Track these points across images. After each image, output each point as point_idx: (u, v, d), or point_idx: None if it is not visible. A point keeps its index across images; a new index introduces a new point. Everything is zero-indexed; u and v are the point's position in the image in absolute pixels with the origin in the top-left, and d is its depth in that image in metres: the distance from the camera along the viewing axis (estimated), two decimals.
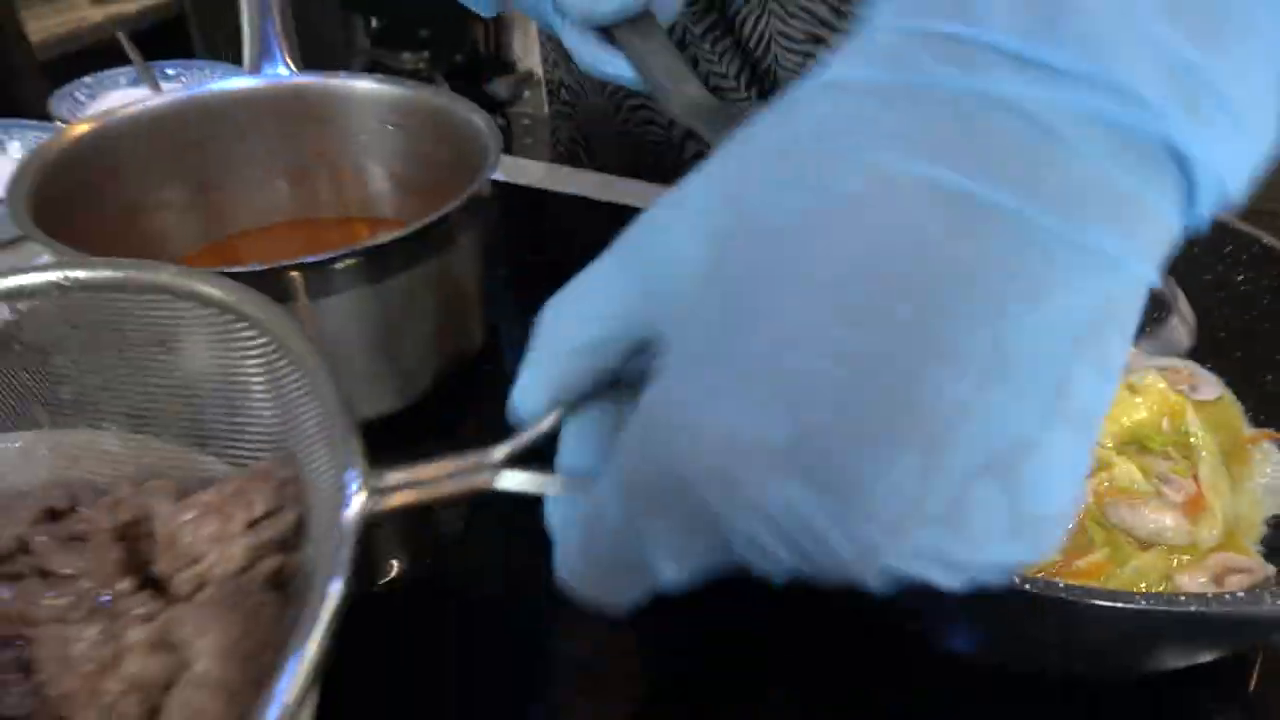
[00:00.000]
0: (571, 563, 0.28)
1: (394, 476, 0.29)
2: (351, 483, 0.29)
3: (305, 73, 0.74)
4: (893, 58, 0.23)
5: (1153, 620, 0.39)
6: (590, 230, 0.88)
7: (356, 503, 0.28)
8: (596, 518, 0.26)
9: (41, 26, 2.25)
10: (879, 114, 0.23)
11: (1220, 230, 0.68)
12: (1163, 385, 0.66)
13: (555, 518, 0.31)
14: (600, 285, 0.28)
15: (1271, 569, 0.55)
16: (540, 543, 0.30)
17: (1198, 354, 0.70)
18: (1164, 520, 0.56)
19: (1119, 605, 0.39)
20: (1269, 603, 0.40)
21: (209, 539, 0.32)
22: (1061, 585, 0.39)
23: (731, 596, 0.36)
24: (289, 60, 0.73)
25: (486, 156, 0.61)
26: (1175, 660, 0.47)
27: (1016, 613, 0.42)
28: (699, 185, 0.26)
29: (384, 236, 0.53)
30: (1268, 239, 0.66)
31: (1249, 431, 0.65)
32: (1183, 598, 0.39)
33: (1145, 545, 0.55)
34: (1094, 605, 0.39)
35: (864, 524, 0.22)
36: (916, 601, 0.48)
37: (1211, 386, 0.68)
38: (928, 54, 0.23)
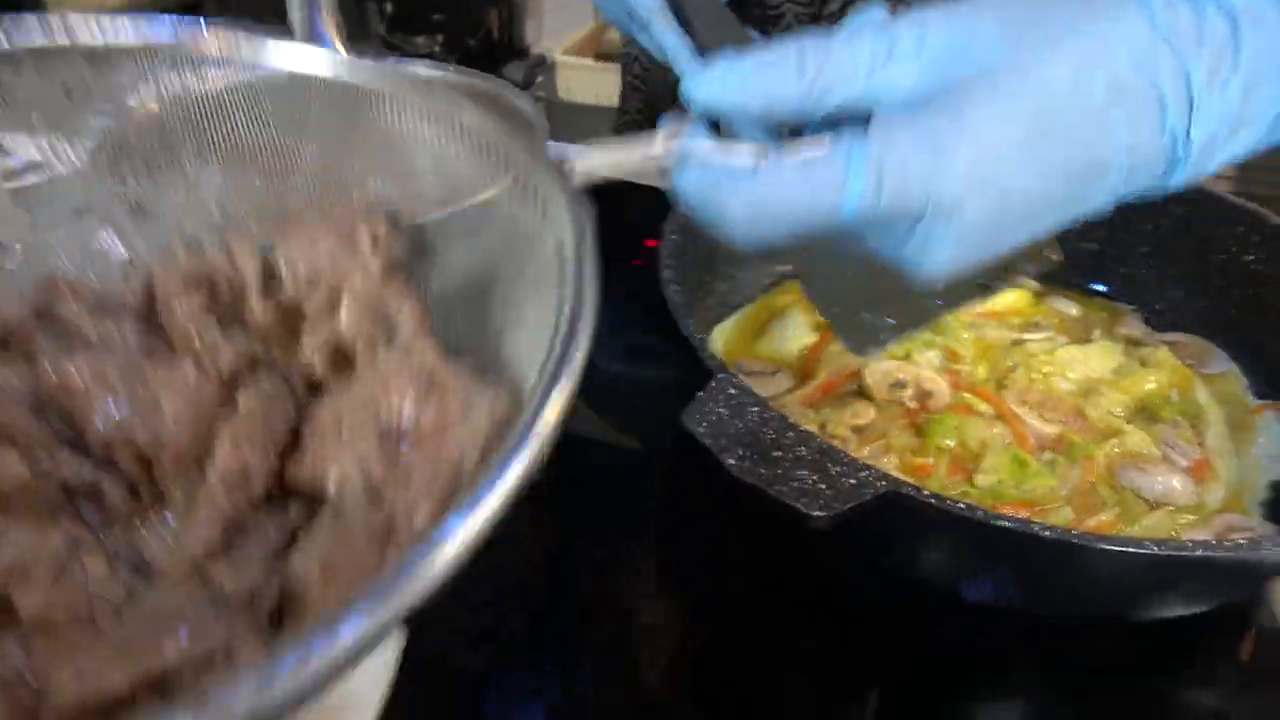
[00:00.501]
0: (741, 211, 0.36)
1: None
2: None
3: (355, 58, 0.77)
4: None
5: (1161, 564, 0.43)
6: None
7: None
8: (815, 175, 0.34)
9: (61, 6, 2.29)
10: None
11: (1234, 211, 0.72)
12: (1173, 360, 0.70)
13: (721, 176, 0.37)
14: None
15: (1271, 528, 0.58)
16: None
17: (1207, 329, 0.74)
18: (1172, 482, 0.59)
19: (1129, 550, 0.43)
20: (1268, 549, 0.44)
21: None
22: (1075, 533, 0.43)
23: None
24: (339, 46, 0.77)
25: (534, 139, 0.65)
26: (1180, 605, 0.51)
27: (1034, 557, 0.46)
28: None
29: None
30: (1276, 219, 0.69)
31: (1253, 403, 0.68)
32: (1190, 543, 0.43)
33: (1154, 506, 0.59)
34: (1105, 550, 0.43)
35: None
36: (946, 555, 0.52)
37: (1219, 361, 0.72)
38: None
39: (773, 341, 0.72)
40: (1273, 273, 0.70)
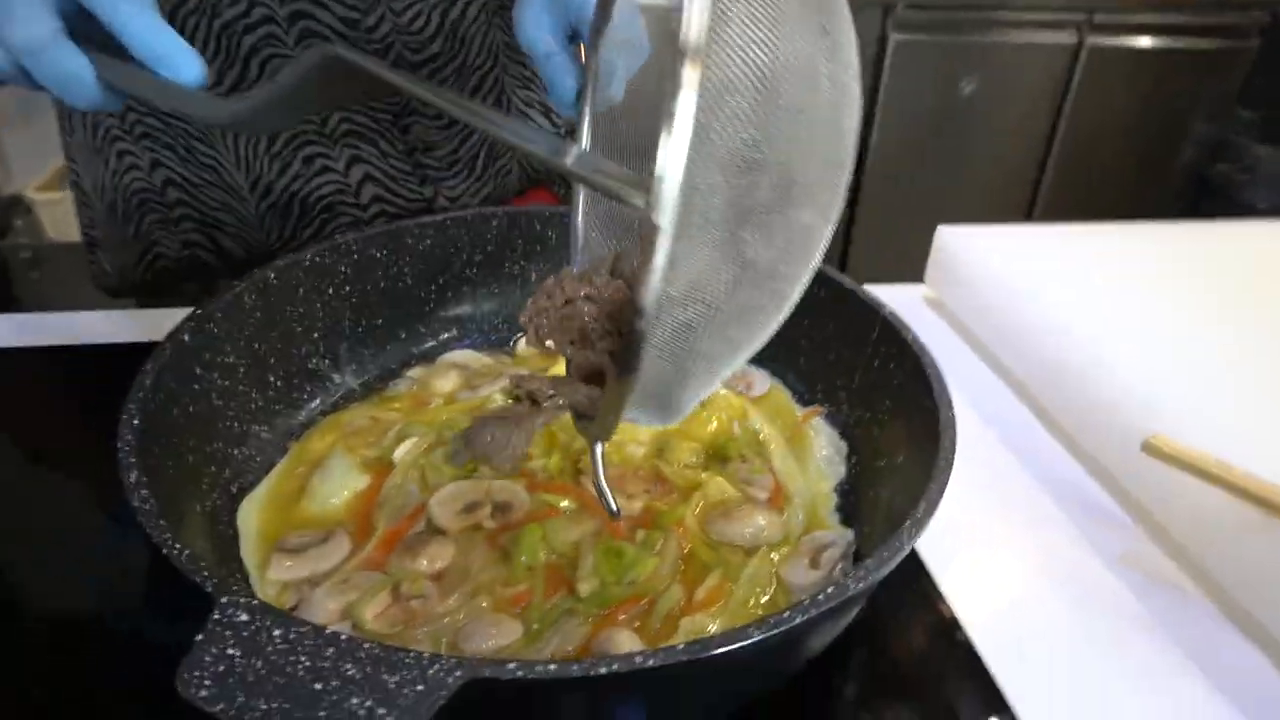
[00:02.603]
0: None
1: None
2: None
3: None
4: None
5: (771, 641, 0.39)
6: None
7: None
8: None
9: None
10: None
11: None
12: (724, 391, 0.71)
13: None
14: None
15: (850, 533, 0.60)
16: None
17: None
18: (758, 521, 0.58)
19: (741, 644, 0.39)
20: (853, 586, 0.42)
21: None
22: (683, 648, 0.38)
23: None
24: None
25: None
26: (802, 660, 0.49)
27: (660, 684, 0.40)
28: None
29: None
30: None
31: (800, 411, 0.71)
32: (786, 614, 0.40)
33: (750, 551, 0.57)
34: (720, 653, 0.38)
35: None
36: None
37: (761, 380, 0.74)
38: None
39: (317, 499, 0.60)
40: None
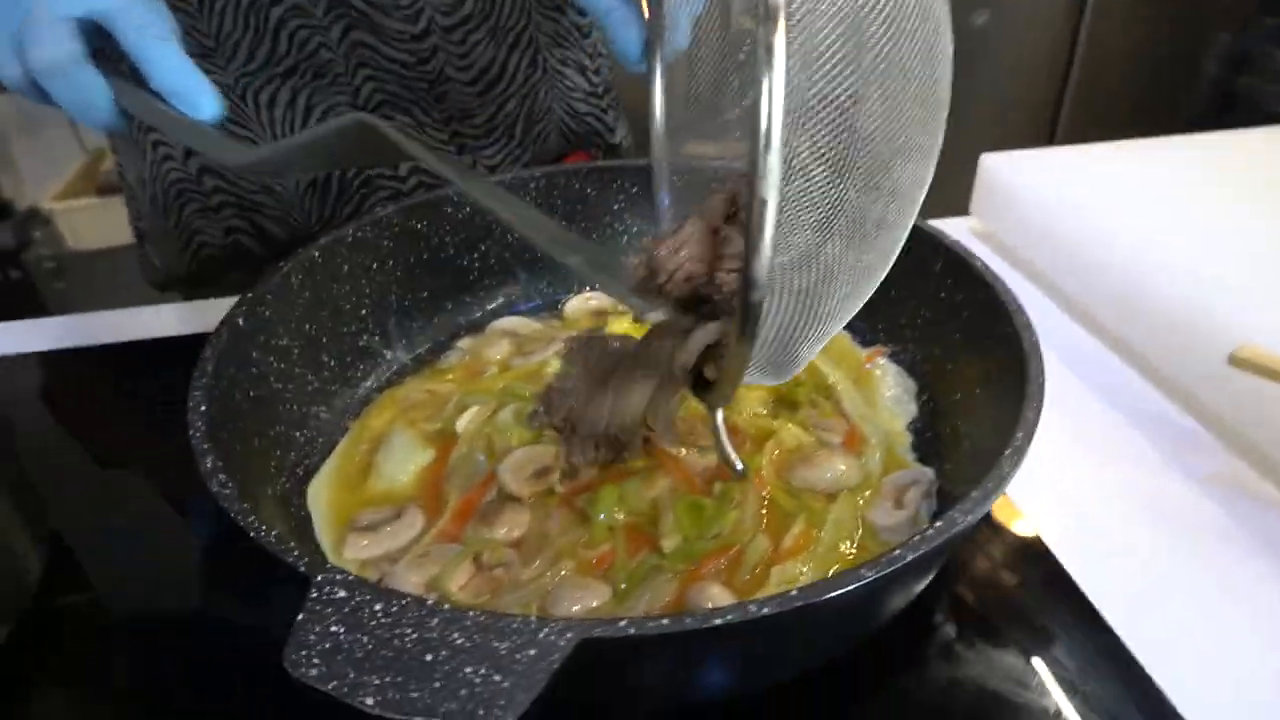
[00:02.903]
0: None
1: None
2: None
3: None
4: None
5: (875, 586, 0.38)
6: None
7: None
8: None
9: None
10: None
11: None
12: None
13: None
14: None
15: (929, 471, 0.58)
16: None
17: None
18: (836, 465, 0.57)
19: (852, 587, 0.37)
20: (956, 524, 0.40)
21: None
22: (796, 594, 0.37)
23: None
24: None
25: None
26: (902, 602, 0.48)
27: (769, 634, 0.39)
28: None
29: None
30: None
31: (862, 353, 0.69)
32: (898, 552, 0.38)
33: (831, 496, 0.55)
34: (839, 594, 0.37)
35: None
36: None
37: None
38: None
39: (384, 475, 0.59)
40: None
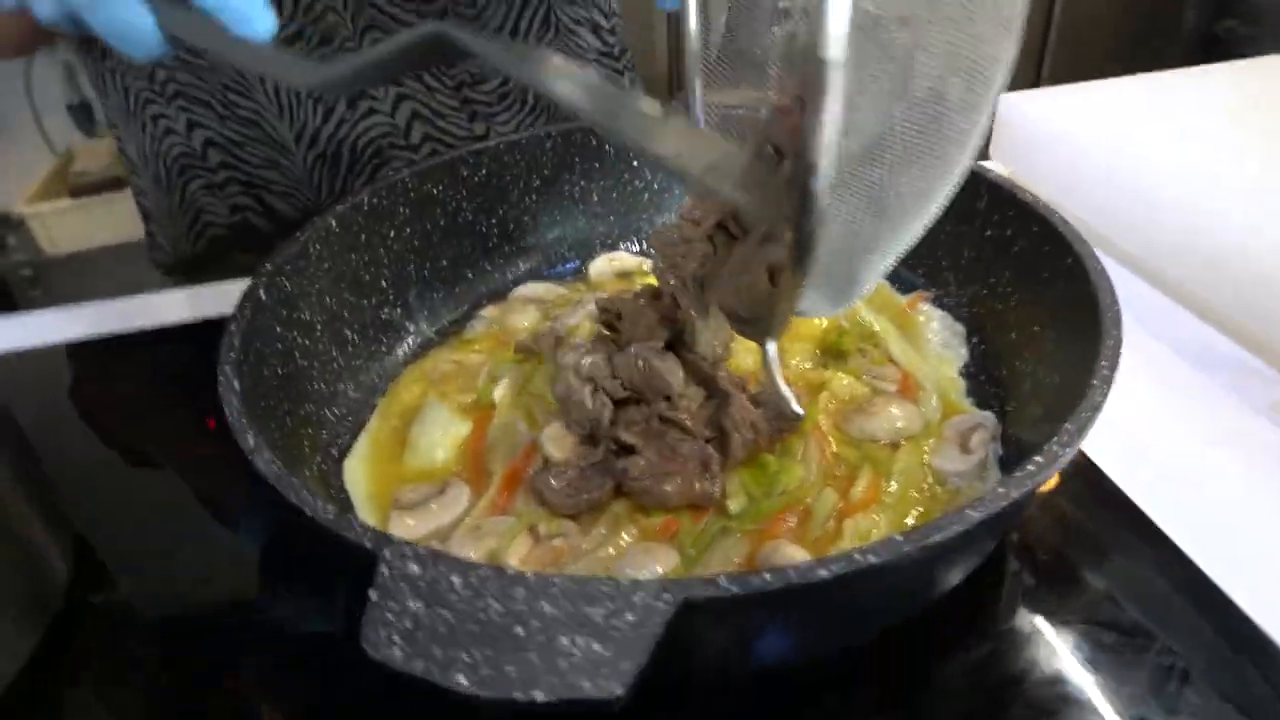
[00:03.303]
0: None
1: None
2: None
3: None
4: None
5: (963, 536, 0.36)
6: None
7: None
8: None
9: None
10: None
11: None
12: None
13: None
14: None
15: (990, 415, 0.56)
16: None
17: None
18: (894, 413, 0.55)
19: (955, 527, 0.35)
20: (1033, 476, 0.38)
21: None
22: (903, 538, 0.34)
23: None
24: None
25: None
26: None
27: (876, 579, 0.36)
28: None
29: None
30: None
31: (903, 299, 0.67)
32: (1001, 491, 0.36)
33: (894, 445, 0.53)
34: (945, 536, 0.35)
35: None
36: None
37: None
38: None
39: (420, 451, 0.56)
40: None
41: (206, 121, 0.76)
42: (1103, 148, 0.81)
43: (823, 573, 0.33)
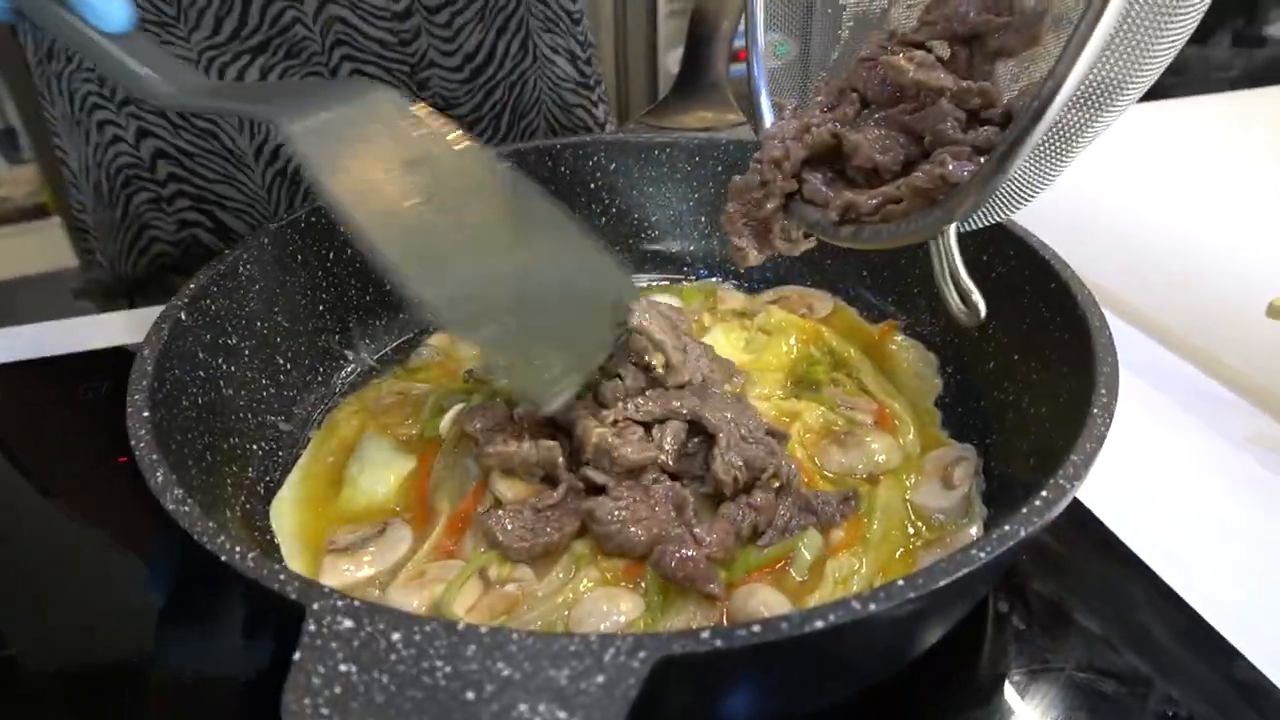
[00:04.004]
0: None
1: None
2: None
3: None
4: None
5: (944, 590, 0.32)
6: None
7: None
8: None
9: None
10: None
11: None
12: (788, 316, 0.63)
13: None
14: None
15: (970, 447, 0.53)
16: None
17: (797, 275, 0.69)
18: (872, 445, 0.51)
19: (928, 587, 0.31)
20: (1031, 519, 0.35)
21: None
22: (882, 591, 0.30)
23: None
24: None
25: None
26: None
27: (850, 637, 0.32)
28: None
29: None
30: None
31: (874, 328, 0.64)
32: (979, 554, 0.32)
33: (874, 480, 0.50)
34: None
35: None
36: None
37: (823, 300, 0.67)
38: None
39: (360, 489, 0.51)
40: None
41: (158, 130, 0.71)
42: (1069, 176, 0.80)
43: (819, 623, 0.29)
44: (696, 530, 0.42)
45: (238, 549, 0.33)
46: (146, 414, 0.40)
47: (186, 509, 0.35)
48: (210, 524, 0.34)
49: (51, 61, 0.72)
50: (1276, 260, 0.65)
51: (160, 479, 0.36)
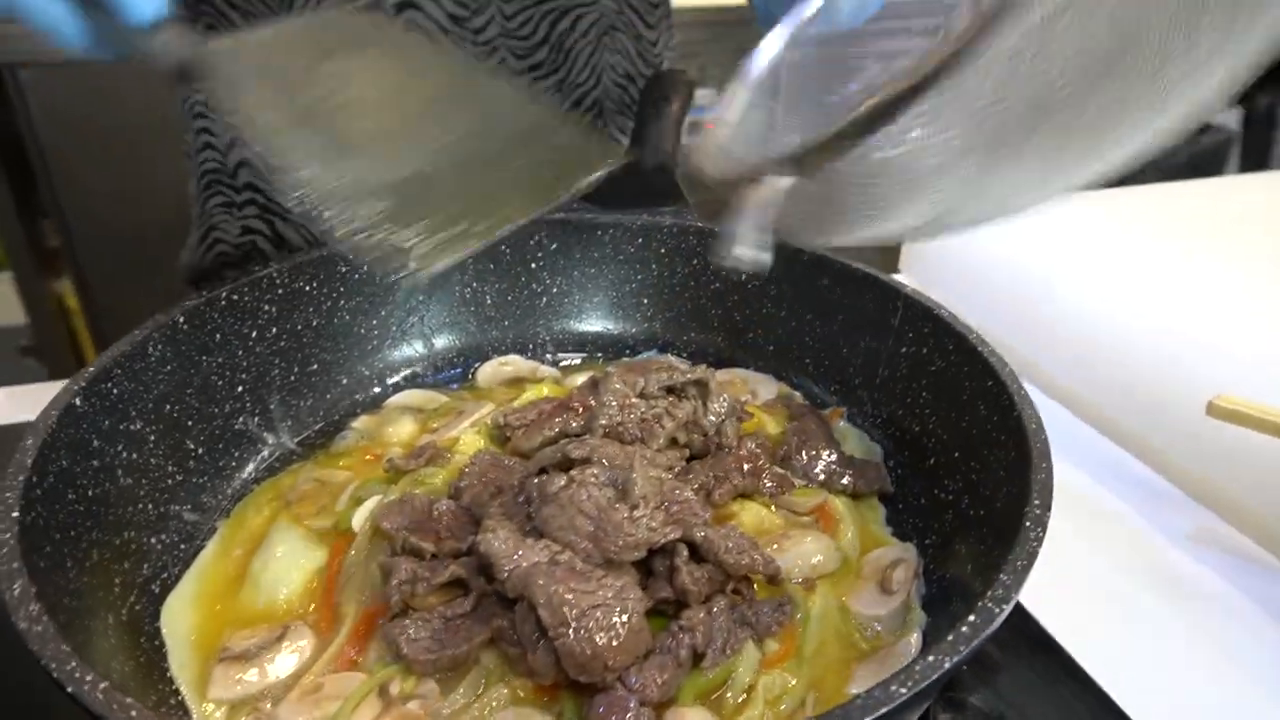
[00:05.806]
0: None
1: None
2: None
3: None
4: None
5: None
6: None
7: None
8: None
9: None
10: None
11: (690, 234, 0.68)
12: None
13: None
14: None
15: (910, 547, 0.51)
16: None
17: (741, 359, 0.68)
18: (810, 548, 0.49)
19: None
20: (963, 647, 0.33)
21: None
22: None
23: None
24: None
25: None
26: None
27: None
28: None
29: None
30: None
31: (823, 413, 0.62)
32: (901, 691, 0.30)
33: (810, 586, 0.47)
34: None
35: None
36: None
37: (766, 385, 0.65)
38: None
39: (262, 586, 0.48)
40: (769, 284, 0.66)
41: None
42: (1011, 266, 0.80)
43: None
44: (630, 680, 0.39)
45: (87, 679, 0.29)
46: (16, 514, 0.37)
47: (39, 629, 0.32)
48: (64, 647, 0.31)
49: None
50: (1217, 356, 0.65)
51: (16, 591, 0.33)
